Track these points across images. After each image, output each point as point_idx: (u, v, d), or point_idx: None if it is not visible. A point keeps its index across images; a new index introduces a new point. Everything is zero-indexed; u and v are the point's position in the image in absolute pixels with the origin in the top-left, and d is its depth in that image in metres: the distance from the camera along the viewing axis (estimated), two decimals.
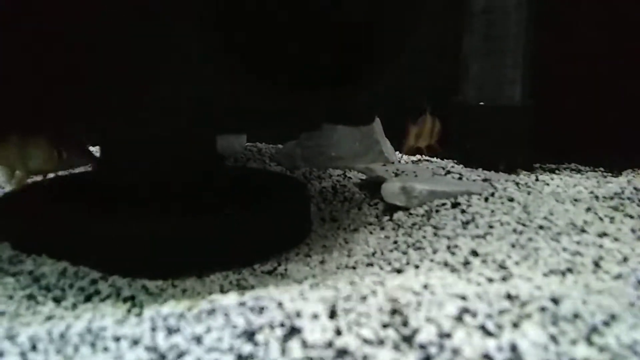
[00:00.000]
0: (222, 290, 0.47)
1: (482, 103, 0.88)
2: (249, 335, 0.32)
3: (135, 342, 0.32)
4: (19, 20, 0.46)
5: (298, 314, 0.34)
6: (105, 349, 0.32)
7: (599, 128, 0.91)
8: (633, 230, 0.51)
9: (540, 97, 0.88)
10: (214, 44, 0.46)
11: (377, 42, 0.56)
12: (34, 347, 0.33)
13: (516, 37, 0.86)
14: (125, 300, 0.44)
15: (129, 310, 0.41)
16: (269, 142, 1.03)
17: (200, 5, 0.44)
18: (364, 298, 0.36)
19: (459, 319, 0.33)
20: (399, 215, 0.61)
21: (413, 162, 0.91)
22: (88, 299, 0.44)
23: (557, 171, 0.89)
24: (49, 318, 0.40)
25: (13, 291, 0.44)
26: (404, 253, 0.51)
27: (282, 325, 0.33)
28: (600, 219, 0.54)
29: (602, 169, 0.90)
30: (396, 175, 0.71)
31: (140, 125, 0.55)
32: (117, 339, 0.33)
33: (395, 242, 0.54)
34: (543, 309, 0.34)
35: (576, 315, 0.33)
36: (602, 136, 0.91)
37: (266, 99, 0.50)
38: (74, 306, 0.43)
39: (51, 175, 0.68)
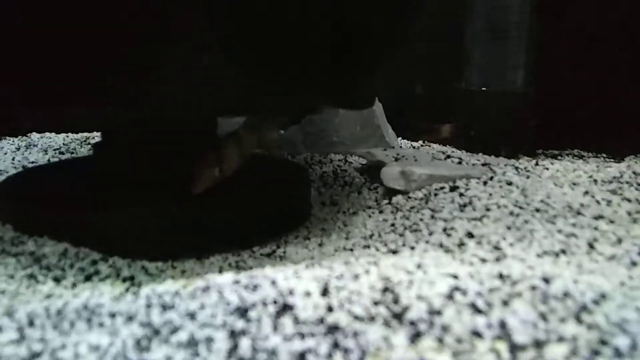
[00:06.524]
0: (221, 272, 0.47)
1: (484, 89, 0.88)
2: (242, 311, 0.32)
3: (130, 318, 0.33)
4: None
5: (291, 292, 0.34)
6: (101, 325, 0.32)
7: (601, 114, 0.91)
8: (629, 213, 0.51)
9: (542, 83, 0.88)
10: (221, 29, 0.46)
11: (375, 27, 0.56)
12: (31, 323, 0.33)
13: (519, 23, 0.86)
14: (124, 280, 0.45)
15: (127, 289, 0.41)
16: None
17: None
18: (356, 277, 0.36)
19: (449, 297, 0.33)
20: (397, 198, 0.61)
21: (413, 146, 0.91)
22: (88, 278, 0.45)
23: (559, 157, 0.89)
24: (48, 296, 0.40)
25: (14, 271, 0.45)
26: (401, 235, 0.52)
27: (274, 302, 0.33)
28: (598, 202, 0.54)
29: (604, 154, 0.90)
30: (396, 159, 0.71)
31: (141, 108, 0.55)
32: (112, 315, 0.33)
33: (393, 225, 0.55)
34: (534, 288, 0.34)
35: (566, 294, 0.33)
36: (605, 122, 0.91)
37: (268, 84, 0.51)
38: (74, 285, 0.43)
39: None
